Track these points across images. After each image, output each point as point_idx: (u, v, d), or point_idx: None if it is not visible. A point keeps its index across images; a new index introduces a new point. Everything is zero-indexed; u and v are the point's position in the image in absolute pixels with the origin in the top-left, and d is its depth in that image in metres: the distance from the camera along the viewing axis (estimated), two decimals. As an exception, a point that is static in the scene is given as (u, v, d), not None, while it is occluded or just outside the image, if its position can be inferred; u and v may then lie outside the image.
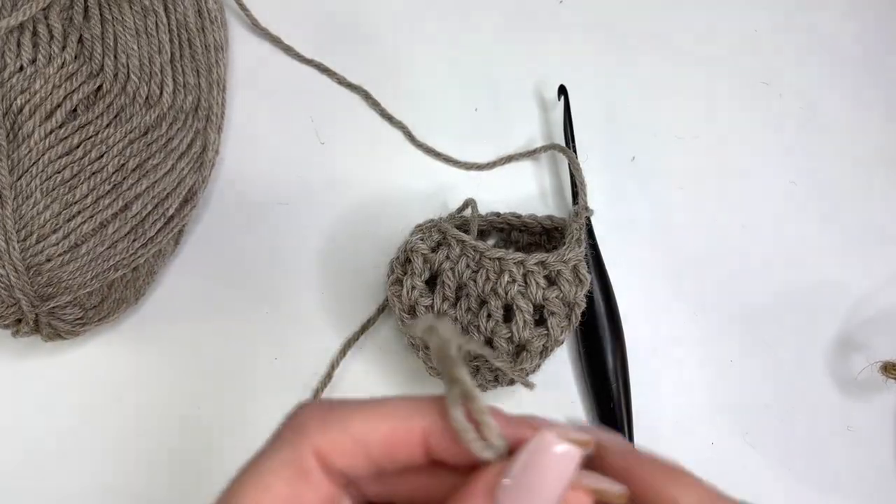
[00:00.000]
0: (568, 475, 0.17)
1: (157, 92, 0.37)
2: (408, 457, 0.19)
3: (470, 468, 0.18)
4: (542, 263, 0.33)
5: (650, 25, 0.49)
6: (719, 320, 0.42)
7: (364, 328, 0.40)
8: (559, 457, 0.17)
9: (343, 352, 0.39)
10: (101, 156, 0.35)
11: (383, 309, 0.40)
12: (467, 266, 0.34)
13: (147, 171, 0.36)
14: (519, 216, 0.40)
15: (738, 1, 0.50)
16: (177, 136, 0.37)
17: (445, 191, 0.43)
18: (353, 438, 0.18)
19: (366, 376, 0.39)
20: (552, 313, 0.34)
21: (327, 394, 0.39)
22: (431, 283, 0.35)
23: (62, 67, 0.35)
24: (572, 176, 0.41)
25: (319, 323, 0.40)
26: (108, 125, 0.36)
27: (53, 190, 0.33)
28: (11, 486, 0.36)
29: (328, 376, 0.39)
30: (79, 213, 0.34)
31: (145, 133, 0.36)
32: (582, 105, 0.45)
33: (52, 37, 0.36)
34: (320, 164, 0.43)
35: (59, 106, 0.35)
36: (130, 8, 0.37)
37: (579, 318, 0.35)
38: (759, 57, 0.49)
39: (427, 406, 0.19)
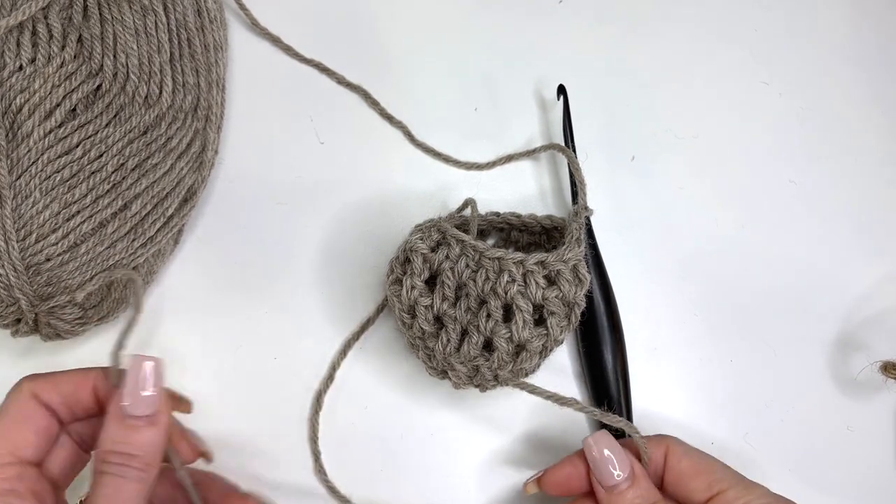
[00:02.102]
0: (159, 378, 0.29)
1: (157, 91, 0.37)
2: (86, 401, 0.30)
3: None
4: (541, 263, 0.33)
5: (650, 25, 0.49)
6: (719, 320, 0.42)
7: (364, 328, 0.40)
8: (150, 367, 0.29)
9: (343, 352, 0.39)
10: (101, 155, 0.35)
11: (382, 308, 0.40)
12: (467, 266, 0.34)
13: (146, 171, 0.36)
14: (519, 216, 0.40)
15: (738, 1, 0.50)
16: (176, 136, 0.37)
17: (445, 191, 0.43)
18: (52, 383, 0.29)
19: (366, 376, 0.39)
20: (552, 313, 0.34)
21: (330, 396, 0.39)
22: (431, 282, 0.35)
23: (61, 67, 0.35)
24: (572, 175, 0.41)
25: (319, 323, 0.40)
26: (107, 125, 0.36)
27: (53, 189, 0.33)
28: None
29: (330, 378, 0.39)
30: (78, 212, 0.34)
31: (144, 132, 0.36)
32: (582, 105, 0.45)
33: (51, 36, 0.36)
34: (320, 164, 0.43)
35: (58, 105, 0.35)
36: (130, 7, 0.37)
37: (579, 317, 0.35)
38: (759, 57, 0.49)
39: (97, 370, 0.30)
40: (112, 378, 0.30)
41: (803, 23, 0.50)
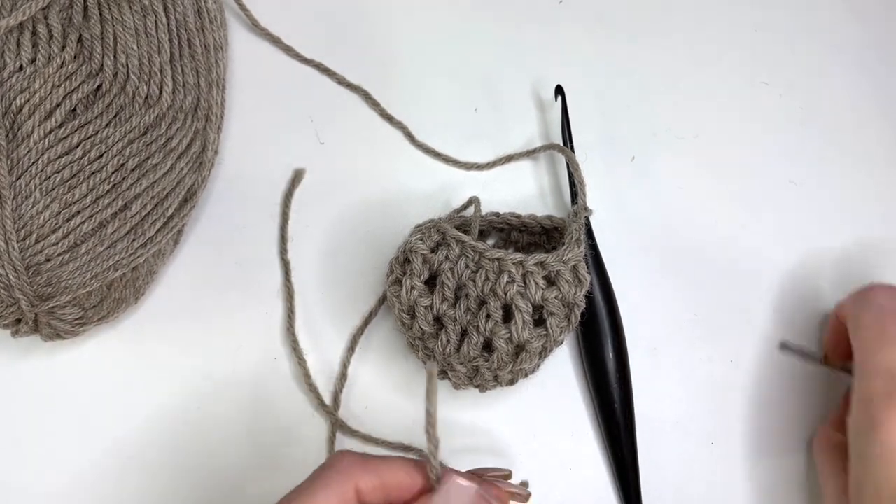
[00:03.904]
0: (471, 498, 0.27)
1: (157, 92, 0.37)
2: (402, 499, 0.28)
3: None
4: (541, 264, 0.33)
5: (649, 25, 0.49)
6: (719, 320, 0.42)
7: (367, 321, 0.40)
8: (464, 488, 0.27)
9: (351, 348, 0.39)
10: (101, 155, 0.35)
11: (383, 300, 0.40)
12: (466, 266, 0.34)
13: (146, 171, 0.36)
14: (518, 216, 0.40)
15: (738, 1, 0.50)
16: (176, 136, 0.37)
17: (445, 191, 0.43)
18: (381, 482, 0.27)
19: (366, 376, 0.39)
20: (551, 314, 0.34)
21: (345, 396, 0.39)
22: (431, 283, 0.35)
23: (62, 67, 0.35)
24: (571, 176, 0.41)
25: (320, 323, 0.40)
26: (107, 125, 0.36)
27: (53, 190, 0.33)
28: (10, 486, 0.36)
29: (343, 376, 0.39)
30: (78, 212, 0.34)
31: (145, 133, 0.36)
32: (582, 105, 0.45)
33: (51, 36, 0.36)
34: (320, 164, 0.43)
35: (58, 105, 0.35)
36: (130, 8, 0.37)
37: (579, 318, 0.35)
38: (759, 57, 0.49)
39: (415, 464, 0.29)
40: (431, 476, 0.28)
41: (803, 23, 0.50)
